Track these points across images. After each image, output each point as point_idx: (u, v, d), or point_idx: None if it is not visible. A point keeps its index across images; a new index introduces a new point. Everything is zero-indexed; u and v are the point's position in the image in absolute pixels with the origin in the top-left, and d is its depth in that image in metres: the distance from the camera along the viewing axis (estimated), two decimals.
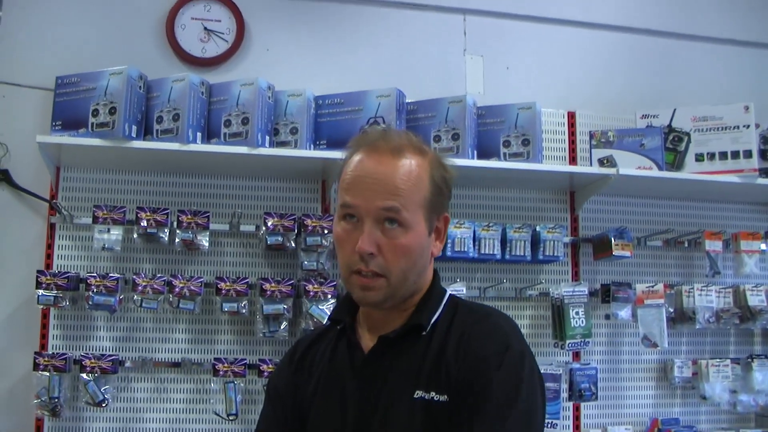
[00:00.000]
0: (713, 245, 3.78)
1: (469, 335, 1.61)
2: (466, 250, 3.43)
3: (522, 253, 3.54)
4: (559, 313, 3.53)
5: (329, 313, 1.90)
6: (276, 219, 3.32)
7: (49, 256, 3.36)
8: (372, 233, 1.58)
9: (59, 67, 3.36)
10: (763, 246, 3.84)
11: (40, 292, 3.16)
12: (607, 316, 3.66)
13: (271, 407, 1.84)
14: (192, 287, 3.25)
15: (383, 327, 1.68)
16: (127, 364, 3.31)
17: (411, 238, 1.60)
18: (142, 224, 3.26)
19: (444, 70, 3.92)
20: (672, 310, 3.71)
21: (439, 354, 1.61)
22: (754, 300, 3.75)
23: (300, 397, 1.77)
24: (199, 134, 3.24)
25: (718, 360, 3.75)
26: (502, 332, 1.63)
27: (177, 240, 3.29)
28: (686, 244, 3.91)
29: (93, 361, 3.18)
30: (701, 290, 3.70)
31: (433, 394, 1.57)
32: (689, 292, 3.70)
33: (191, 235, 3.29)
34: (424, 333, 1.65)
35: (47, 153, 3.26)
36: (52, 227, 3.39)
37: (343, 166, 1.68)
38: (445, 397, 1.56)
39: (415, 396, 1.58)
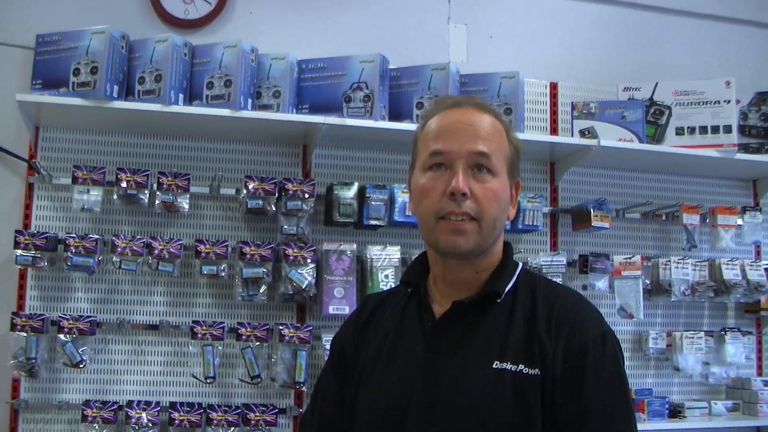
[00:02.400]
0: (690, 219, 3.81)
1: (560, 313, 1.60)
2: None
3: None
4: None
5: (402, 275, 1.88)
6: (257, 182, 3.31)
7: (27, 217, 3.34)
8: (465, 175, 1.58)
9: (40, 26, 3.31)
10: (739, 221, 3.88)
11: (18, 252, 3.14)
12: (585, 287, 3.68)
13: (332, 362, 1.86)
14: (171, 249, 3.24)
15: (456, 293, 1.67)
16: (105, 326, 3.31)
17: (498, 184, 1.61)
18: (122, 185, 3.24)
19: (427, 37, 3.91)
20: (648, 282, 3.75)
21: (528, 327, 1.60)
22: (729, 274, 3.79)
23: (363, 355, 1.76)
24: (181, 96, 3.22)
25: (692, 332, 3.79)
26: (592, 314, 1.65)
27: (157, 202, 3.27)
28: (664, 217, 3.95)
29: (71, 322, 3.16)
30: (678, 263, 3.73)
31: (521, 366, 1.55)
32: (666, 264, 3.74)
33: (171, 198, 3.27)
34: (498, 300, 1.64)
35: (27, 112, 3.23)
36: (30, 187, 3.36)
37: (423, 127, 1.70)
38: (537, 371, 1.54)
39: (494, 366, 1.56)
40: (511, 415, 1.53)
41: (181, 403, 3.22)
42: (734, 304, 4.01)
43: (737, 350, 3.84)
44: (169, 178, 3.27)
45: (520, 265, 1.74)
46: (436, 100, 1.77)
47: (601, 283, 3.65)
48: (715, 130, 3.69)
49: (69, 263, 3.16)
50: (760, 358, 4.04)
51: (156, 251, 3.23)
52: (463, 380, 1.58)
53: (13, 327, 3.12)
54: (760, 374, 4.01)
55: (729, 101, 3.70)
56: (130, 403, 3.18)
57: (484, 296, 1.65)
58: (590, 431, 1.52)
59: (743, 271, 3.82)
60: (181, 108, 3.21)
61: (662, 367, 3.89)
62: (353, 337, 1.82)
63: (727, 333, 3.85)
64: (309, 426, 1.84)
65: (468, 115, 1.64)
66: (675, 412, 3.75)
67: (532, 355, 1.56)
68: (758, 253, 4.11)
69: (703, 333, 3.80)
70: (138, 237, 3.24)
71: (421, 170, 1.65)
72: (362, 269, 3.43)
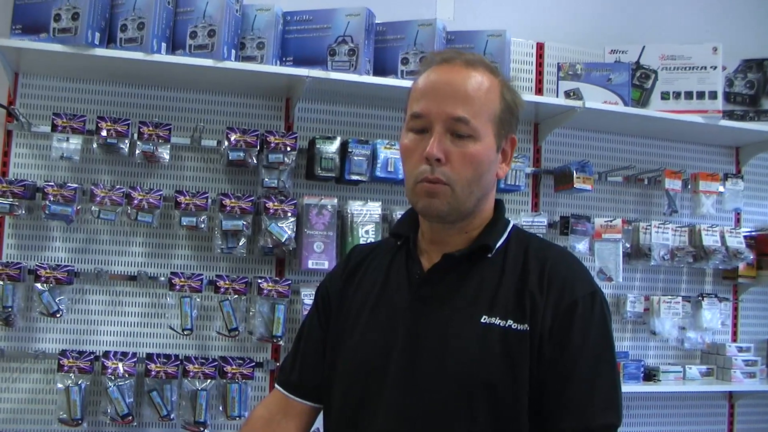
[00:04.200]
0: (672, 184, 3.82)
1: (552, 270, 1.61)
2: None
3: None
4: None
5: (392, 227, 1.90)
6: (238, 134, 3.28)
7: (5, 164, 3.29)
8: (441, 140, 1.57)
9: None
10: (721, 188, 3.89)
11: None
12: (566, 249, 3.68)
13: (316, 311, 1.87)
14: (151, 200, 3.21)
15: (445, 248, 1.67)
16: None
17: (479, 148, 1.59)
18: (102, 134, 3.20)
19: None
20: (628, 246, 3.76)
21: (520, 282, 1.61)
22: (708, 240, 3.81)
23: (348, 304, 1.77)
24: (164, 45, 3.17)
25: (669, 297, 3.82)
26: (583, 273, 1.67)
27: (137, 152, 3.24)
28: (646, 182, 3.96)
29: (48, 271, 3.14)
30: (658, 228, 3.75)
31: (510, 321, 1.57)
32: (646, 228, 3.75)
33: (152, 148, 3.24)
34: (489, 255, 1.65)
35: (6, 57, 3.18)
36: (9, 134, 3.31)
37: (414, 84, 1.68)
38: (526, 326, 1.56)
39: (483, 321, 1.58)
40: (498, 370, 1.55)
41: (158, 355, 3.21)
42: (712, 270, 4.04)
43: (713, 316, 3.86)
44: (150, 128, 3.24)
45: (512, 223, 1.75)
46: (429, 55, 1.76)
47: (582, 246, 3.66)
48: (701, 96, 3.68)
49: (47, 212, 3.13)
50: (735, 325, 4.07)
51: (135, 201, 3.19)
52: (449, 333, 1.59)
53: None
54: (734, 340, 4.05)
55: (715, 67, 3.68)
56: (106, 354, 3.17)
57: (474, 250, 1.65)
58: (575, 386, 1.54)
59: (723, 237, 3.84)
60: (164, 57, 3.16)
61: (639, 330, 3.92)
62: (339, 285, 1.83)
63: (704, 299, 3.88)
64: (290, 371, 1.85)
65: (452, 74, 1.62)
66: (650, 375, 3.79)
67: (522, 310, 1.57)
68: (738, 221, 4.14)
69: (680, 298, 3.82)
70: (117, 187, 3.21)
71: (405, 130, 1.65)
72: (342, 224, 3.42)
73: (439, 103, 1.58)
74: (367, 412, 1.64)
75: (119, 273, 3.36)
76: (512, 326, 1.56)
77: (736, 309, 4.08)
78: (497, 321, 1.57)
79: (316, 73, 3.23)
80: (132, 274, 3.36)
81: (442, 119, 1.57)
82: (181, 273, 3.25)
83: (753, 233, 4.01)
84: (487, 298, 1.60)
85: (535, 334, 1.55)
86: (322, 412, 1.81)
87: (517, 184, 3.56)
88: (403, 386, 1.60)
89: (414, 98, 1.64)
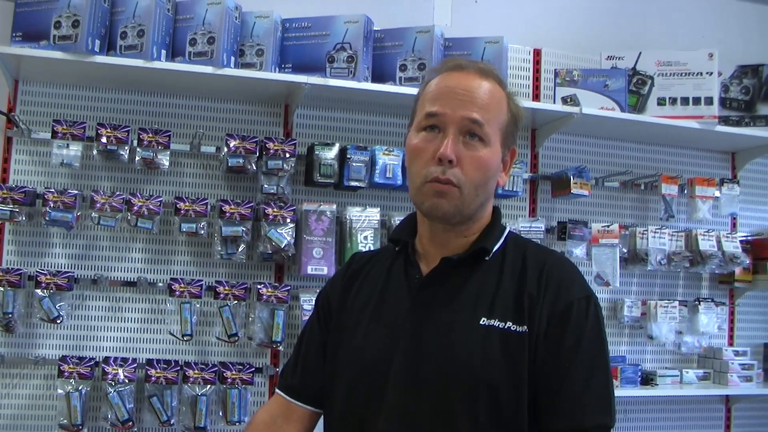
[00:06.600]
0: (669, 189, 3.83)
1: (550, 272, 1.64)
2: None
3: None
4: None
5: (391, 233, 1.93)
6: (238, 141, 3.30)
7: (5, 171, 3.30)
8: (455, 142, 1.60)
9: None
10: (717, 193, 3.91)
11: None
12: (562, 254, 3.69)
13: (317, 316, 1.89)
14: (151, 206, 3.22)
15: (444, 251, 1.70)
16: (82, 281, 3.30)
17: (488, 153, 1.63)
18: (102, 141, 3.20)
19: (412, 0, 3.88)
20: (625, 251, 3.77)
21: (519, 285, 1.64)
22: (705, 245, 3.82)
23: (348, 310, 1.79)
24: (163, 52, 3.19)
25: (666, 301, 3.83)
26: (579, 277, 1.70)
27: (137, 158, 3.25)
28: (643, 187, 3.97)
29: (48, 277, 3.14)
30: (655, 233, 3.76)
31: (509, 324, 1.59)
32: (643, 233, 3.77)
33: (151, 154, 3.25)
34: (487, 258, 1.68)
35: (6, 65, 3.19)
36: (9, 141, 3.32)
37: (425, 85, 1.72)
38: (525, 328, 1.59)
39: (482, 323, 1.60)
40: (499, 371, 1.57)
41: (158, 360, 3.21)
42: (709, 274, 4.05)
43: (710, 320, 3.88)
44: (150, 135, 3.25)
45: (508, 227, 1.78)
46: (441, 61, 1.79)
47: (579, 251, 3.67)
48: (697, 101, 3.71)
49: (47, 218, 3.14)
50: (731, 329, 4.09)
51: (135, 208, 3.21)
52: (448, 336, 1.62)
53: None
54: (731, 344, 4.06)
55: (711, 73, 3.71)
56: (106, 360, 3.18)
57: (472, 254, 1.68)
58: (568, 387, 1.57)
59: (719, 242, 3.85)
60: (164, 64, 3.17)
61: (636, 335, 3.93)
62: (339, 291, 1.85)
63: (701, 303, 3.90)
64: (291, 376, 1.87)
65: (468, 80, 1.65)
66: (647, 379, 3.80)
67: (521, 311, 1.60)
68: (734, 225, 4.15)
69: (677, 302, 3.84)
70: (117, 193, 3.22)
71: (415, 130, 1.68)
72: (341, 230, 3.44)
73: (455, 106, 1.61)
74: (370, 417, 1.65)
75: (119, 279, 3.37)
76: (512, 328, 1.59)
77: (732, 313, 4.09)
78: (497, 323, 1.60)
79: (315, 79, 3.25)
80: (132, 280, 3.37)
81: (457, 121, 1.61)
82: (181, 279, 3.26)
83: (749, 238, 4.02)
84: (486, 300, 1.63)
85: (533, 335, 1.58)
86: (322, 417, 1.83)
87: (514, 189, 3.57)
88: (406, 390, 1.62)
89: (428, 98, 1.67)
